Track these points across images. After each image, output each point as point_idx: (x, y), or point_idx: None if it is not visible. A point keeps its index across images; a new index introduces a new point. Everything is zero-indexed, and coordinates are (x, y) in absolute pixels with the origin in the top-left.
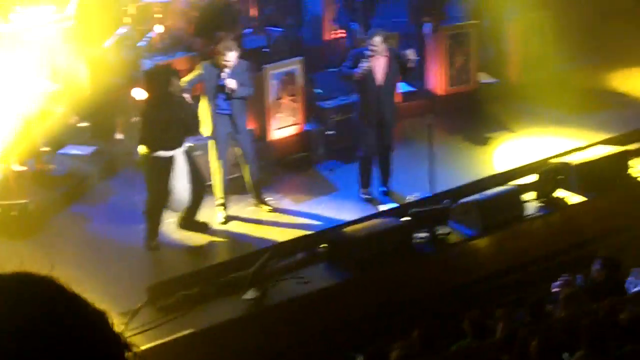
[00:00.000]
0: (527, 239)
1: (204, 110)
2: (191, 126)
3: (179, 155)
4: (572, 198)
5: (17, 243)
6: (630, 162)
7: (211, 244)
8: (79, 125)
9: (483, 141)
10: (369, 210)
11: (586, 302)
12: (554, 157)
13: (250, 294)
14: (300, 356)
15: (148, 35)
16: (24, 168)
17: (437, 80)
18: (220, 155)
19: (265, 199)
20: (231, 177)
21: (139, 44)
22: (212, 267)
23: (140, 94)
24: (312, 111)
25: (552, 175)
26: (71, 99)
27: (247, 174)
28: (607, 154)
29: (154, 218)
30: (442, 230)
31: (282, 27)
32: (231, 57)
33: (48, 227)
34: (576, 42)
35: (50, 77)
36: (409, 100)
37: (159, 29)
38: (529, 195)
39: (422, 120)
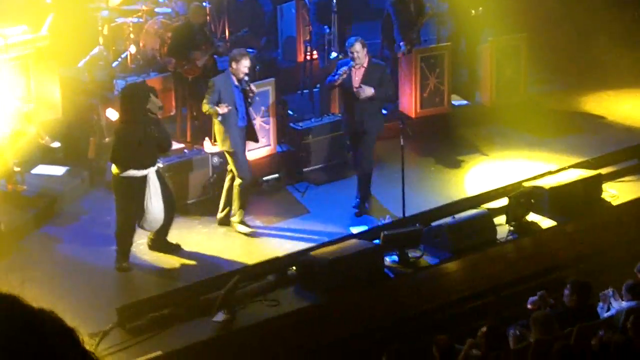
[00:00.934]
0: (498, 263)
1: (220, 125)
2: (164, 146)
3: (151, 175)
4: (544, 222)
5: None
6: (603, 186)
7: (181, 266)
8: (51, 145)
9: (455, 164)
10: (340, 232)
11: (558, 326)
12: (526, 180)
13: (219, 316)
14: None
15: (122, 55)
16: None
17: (410, 102)
18: (246, 162)
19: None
20: (200, 199)
21: (113, 64)
22: (182, 289)
23: (113, 114)
24: (284, 133)
25: (524, 199)
26: (44, 118)
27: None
28: (579, 178)
29: (125, 238)
30: (413, 253)
31: (256, 48)
32: (246, 64)
33: (19, 247)
34: (550, 65)
35: (23, 97)
36: None
37: (132, 49)
38: (501, 219)
39: (394, 142)
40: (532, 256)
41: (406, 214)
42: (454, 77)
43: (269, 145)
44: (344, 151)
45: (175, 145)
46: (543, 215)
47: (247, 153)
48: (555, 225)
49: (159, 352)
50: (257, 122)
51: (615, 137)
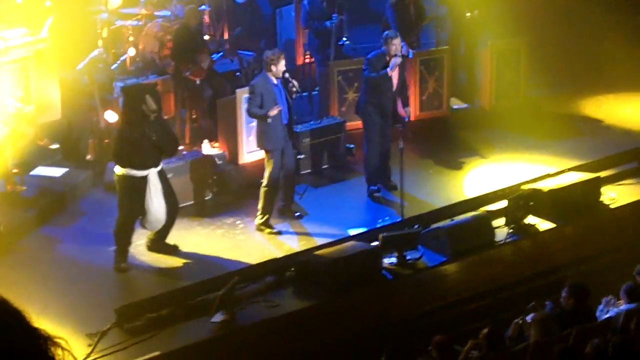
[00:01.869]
0: (497, 265)
1: (264, 125)
2: (166, 148)
3: (153, 175)
4: (543, 224)
5: None
6: (602, 190)
7: (180, 267)
8: (50, 147)
9: (454, 167)
10: (339, 234)
11: (556, 328)
12: (525, 183)
13: (218, 317)
14: None
15: (121, 58)
16: None
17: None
18: (279, 166)
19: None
20: (198, 200)
21: (112, 66)
22: (181, 290)
23: (112, 116)
24: None
25: (522, 201)
26: (43, 120)
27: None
28: (578, 181)
29: (124, 238)
30: (412, 255)
31: (254, 50)
32: (283, 62)
33: (18, 248)
34: (550, 69)
35: (23, 99)
36: None
37: (131, 51)
38: (500, 222)
39: (393, 145)
40: (531, 258)
41: (405, 216)
42: (453, 80)
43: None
44: (344, 154)
45: None
46: (542, 217)
47: (244, 156)
48: (554, 228)
49: (157, 353)
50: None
51: (614, 140)
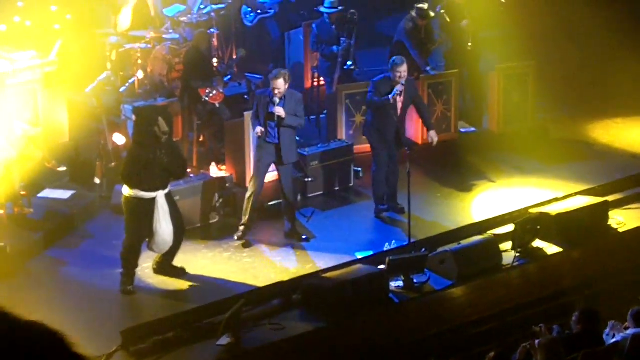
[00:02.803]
0: (504, 289)
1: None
2: (175, 170)
3: (161, 198)
4: (550, 248)
5: None
6: (609, 213)
7: (186, 290)
8: (57, 169)
9: (462, 190)
10: (346, 257)
11: (563, 352)
12: (532, 207)
13: (224, 340)
14: None
15: (129, 80)
16: (1, 211)
17: (417, 128)
18: (257, 181)
19: (300, 234)
20: (205, 223)
21: (120, 89)
22: (187, 313)
23: (120, 139)
24: None
25: (530, 225)
26: (51, 142)
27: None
28: (586, 205)
29: (130, 261)
30: (418, 278)
31: (263, 74)
32: (280, 85)
33: (24, 270)
34: (558, 93)
35: (31, 121)
36: None
37: (140, 74)
38: (507, 245)
39: (401, 168)
40: (538, 282)
41: (412, 239)
42: (460, 104)
43: (275, 170)
44: (351, 177)
45: None
46: (549, 241)
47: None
48: (562, 252)
49: None
50: None
51: (622, 165)
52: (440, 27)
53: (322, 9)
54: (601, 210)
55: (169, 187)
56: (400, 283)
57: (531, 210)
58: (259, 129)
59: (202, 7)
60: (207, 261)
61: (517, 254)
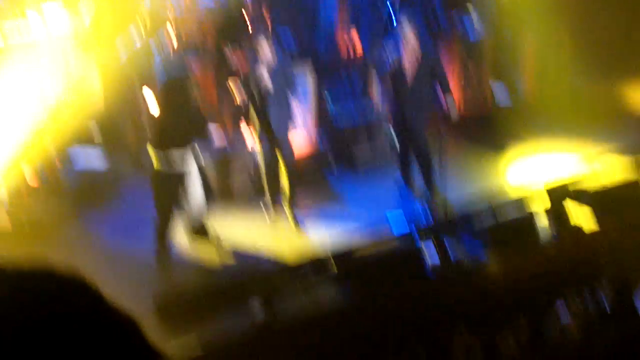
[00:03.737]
0: (538, 264)
1: None
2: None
3: (190, 162)
4: (586, 221)
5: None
6: None
7: (221, 262)
8: (91, 136)
9: (497, 161)
10: (377, 218)
11: (598, 325)
12: (569, 179)
13: (258, 314)
14: None
15: (164, 48)
16: (35, 179)
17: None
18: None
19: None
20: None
21: (154, 57)
22: (221, 283)
23: (153, 104)
24: None
25: (566, 199)
26: (84, 109)
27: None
28: (625, 178)
29: (164, 230)
30: (453, 252)
31: None
32: None
33: (58, 237)
34: (595, 57)
35: (63, 88)
36: None
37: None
38: (542, 221)
39: (435, 136)
40: (574, 257)
41: (445, 213)
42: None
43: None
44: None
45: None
46: (585, 213)
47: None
48: (598, 224)
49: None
50: None
51: None
52: None
53: None
54: (638, 183)
55: (201, 155)
56: (435, 256)
57: (566, 184)
58: None
59: None
60: (243, 231)
61: (553, 228)
